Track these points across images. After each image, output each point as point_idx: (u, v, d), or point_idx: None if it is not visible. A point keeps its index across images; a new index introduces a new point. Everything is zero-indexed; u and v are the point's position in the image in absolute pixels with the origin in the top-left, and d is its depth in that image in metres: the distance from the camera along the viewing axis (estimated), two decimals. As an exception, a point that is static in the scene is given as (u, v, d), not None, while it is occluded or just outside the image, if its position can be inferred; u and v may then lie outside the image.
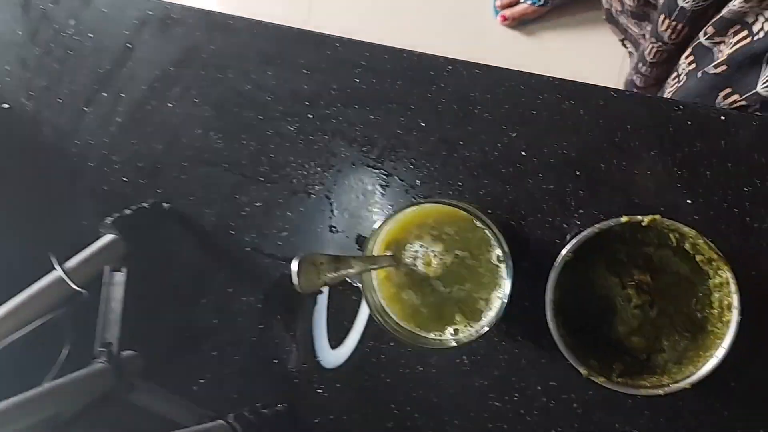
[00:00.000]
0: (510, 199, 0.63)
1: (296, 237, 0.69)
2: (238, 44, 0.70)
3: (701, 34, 0.65)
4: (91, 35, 0.75)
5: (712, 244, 0.51)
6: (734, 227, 0.59)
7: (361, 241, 0.67)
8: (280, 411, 0.68)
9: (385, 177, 0.67)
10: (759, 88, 0.56)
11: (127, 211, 0.67)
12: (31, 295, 0.58)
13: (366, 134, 0.67)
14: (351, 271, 0.51)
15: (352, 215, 0.68)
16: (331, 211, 0.68)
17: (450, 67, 0.65)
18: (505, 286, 0.52)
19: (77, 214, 0.74)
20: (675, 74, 0.81)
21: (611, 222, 0.52)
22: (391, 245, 0.56)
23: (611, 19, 1.10)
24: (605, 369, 0.53)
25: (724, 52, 0.60)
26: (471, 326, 0.55)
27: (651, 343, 0.56)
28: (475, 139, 0.64)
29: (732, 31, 0.59)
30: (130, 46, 0.73)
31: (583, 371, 0.52)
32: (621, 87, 0.98)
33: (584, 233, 0.53)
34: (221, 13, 0.71)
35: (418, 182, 0.66)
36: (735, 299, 0.50)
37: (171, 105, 0.72)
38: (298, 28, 0.68)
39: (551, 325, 0.53)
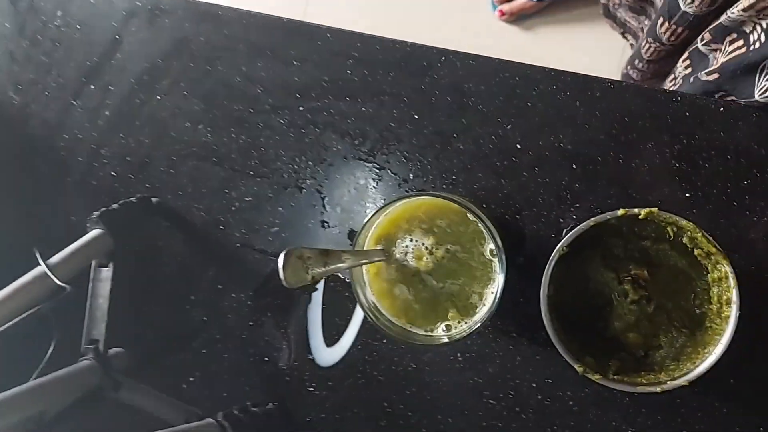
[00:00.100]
0: (505, 192, 0.62)
1: (287, 232, 0.68)
2: (228, 36, 0.68)
3: (698, 39, 0.64)
4: (79, 27, 0.73)
5: (710, 238, 0.49)
6: (733, 220, 0.58)
7: (354, 236, 0.66)
8: (270, 409, 0.66)
9: (377, 171, 0.65)
10: (757, 97, 0.55)
11: (114, 206, 0.66)
12: (14, 291, 0.57)
13: (358, 127, 0.65)
14: (341, 265, 0.50)
15: (344, 210, 0.66)
16: (323, 205, 0.67)
17: (443, 58, 0.63)
18: (498, 280, 0.51)
19: (65, 209, 0.73)
20: (672, 76, 0.80)
21: (607, 215, 0.51)
22: (381, 239, 0.55)
23: (609, 14, 1.08)
24: (601, 366, 0.52)
25: (719, 60, 0.59)
26: (465, 322, 0.54)
27: (648, 340, 0.54)
28: (470, 132, 0.63)
29: (729, 39, 0.58)
30: (119, 38, 0.72)
31: (578, 368, 0.51)
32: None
33: (580, 226, 0.52)
34: (210, 3, 0.69)
35: (411, 176, 0.65)
36: (734, 294, 0.49)
37: (160, 98, 0.70)
38: (288, 19, 0.67)
39: (546, 321, 0.52)
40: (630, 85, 0.60)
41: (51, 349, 0.63)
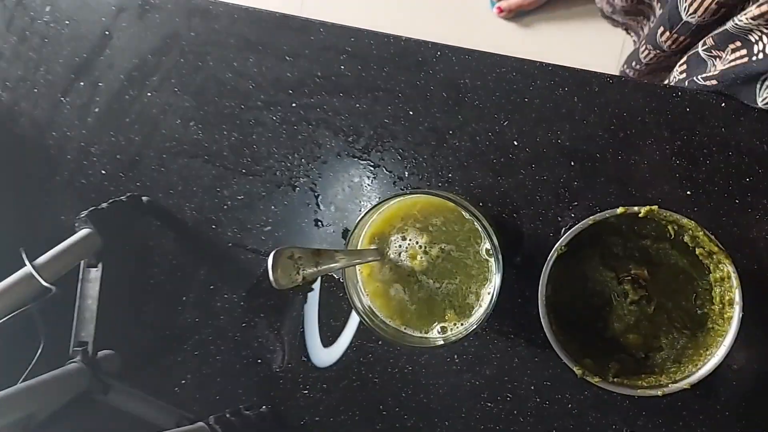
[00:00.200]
0: (502, 190, 0.61)
1: (280, 231, 0.66)
2: (219, 30, 0.67)
3: (700, 44, 0.63)
4: (68, 22, 0.72)
5: (712, 237, 0.48)
6: (735, 219, 0.57)
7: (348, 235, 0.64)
8: (263, 413, 0.65)
9: (372, 168, 0.64)
10: (760, 104, 0.54)
11: (104, 205, 0.64)
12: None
13: (352, 124, 0.64)
14: (333, 265, 0.48)
15: (339, 208, 0.65)
16: (317, 204, 0.66)
17: (439, 53, 0.62)
18: (495, 281, 0.49)
19: (55, 208, 0.72)
20: (666, 81, 0.79)
21: (606, 213, 0.50)
22: (375, 238, 0.54)
23: (606, 17, 1.07)
24: (600, 368, 0.51)
25: (718, 66, 0.58)
26: (461, 323, 0.52)
27: (648, 341, 0.53)
28: (466, 128, 0.62)
29: (732, 47, 0.57)
30: (108, 33, 0.70)
31: (577, 371, 0.49)
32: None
33: (578, 225, 0.50)
34: (202, -2, 0.68)
35: (406, 173, 0.63)
36: (737, 294, 0.48)
37: (150, 94, 0.69)
38: (280, 13, 0.65)
39: (544, 322, 0.50)
40: (629, 81, 0.59)
41: (39, 352, 0.62)
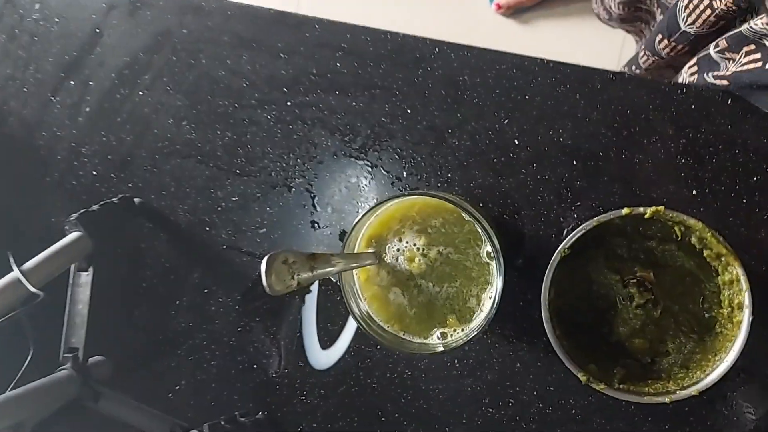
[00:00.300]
0: (502, 191, 0.59)
1: (276, 233, 0.65)
2: (212, 28, 0.65)
3: (711, 46, 0.61)
4: (57, 20, 0.70)
5: (721, 238, 0.47)
6: (743, 219, 0.55)
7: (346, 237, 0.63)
8: (259, 419, 0.64)
9: (369, 168, 0.62)
10: None
11: (94, 207, 0.63)
12: (-15, 298, 0.54)
13: (348, 122, 0.62)
14: (329, 269, 0.47)
15: (335, 210, 0.63)
16: (313, 205, 0.64)
17: (437, 50, 0.60)
18: (496, 285, 0.48)
19: (45, 210, 0.70)
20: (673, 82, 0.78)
21: (611, 214, 0.48)
22: (373, 241, 0.52)
23: (603, 22, 1.06)
24: (605, 374, 0.49)
25: (730, 68, 0.56)
26: (461, 329, 0.51)
27: (654, 346, 0.52)
28: (465, 127, 0.60)
29: (746, 49, 0.56)
30: (98, 31, 0.69)
31: (582, 377, 0.48)
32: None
33: (582, 226, 0.49)
34: (193, -6, 0.66)
35: (404, 173, 0.62)
36: (746, 298, 0.46)
37: (142, 93, 0.67)
38: (274, 9, 0.64)
39: (547, 326, 0.49)
40: (633, 77, 0.58)
41: (28, 358, 0.61)
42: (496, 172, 0.59)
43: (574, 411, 0.58)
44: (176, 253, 0.67)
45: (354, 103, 0.62)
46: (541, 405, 0.59)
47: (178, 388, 0.67)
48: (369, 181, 0.62)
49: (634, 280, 0.51)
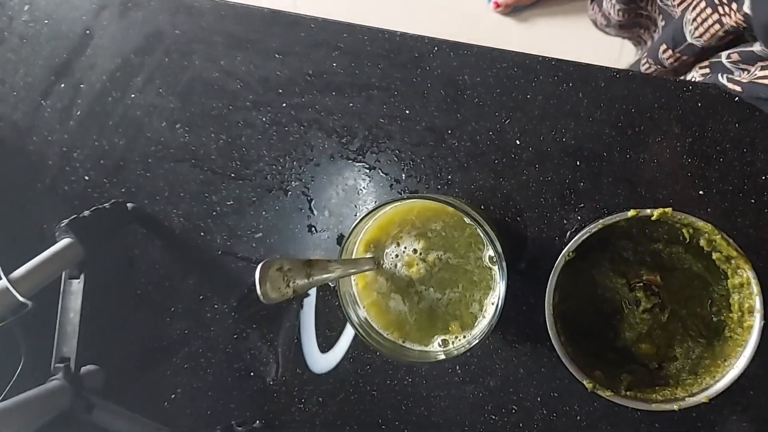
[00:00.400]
0: (504, 192, 0.58)
1: (272, 238, 0.63)
2: (205, 28, 0.64)
3: (723, 55, 0.60)
4: (47, 22, 0.69)
5: (730, 240, 0.45)
6: (751, 219, 0.54)
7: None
8: (257, 428, 0.62)
9: (367, 171, 0.61)
10: None
11: (86, 213, 0.61)
12: (-27, 308, 0.52)
13: (345, 124, 0.61)
14: (326, 276, 0.45)
15: (333, 213, 0.62)
16: (310, 209, 0.62)
17: (436, 49, 0.59)
18: (499, 290, 0.46)
19: (36, 216, 0.68)
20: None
21: (617, 217, 0.47)
22: (371, 245, 0.51)
23: (599, 28, 1.04)
24: (612, 380, 0.48)
25: (744, 77, 0.55)
26: (463, 336, 0.49)
27: (662, 351, 0.50)
28: (465, 127, 0.58)
29: (761, 64, 0.54)
30: (89, 32, 0.67)
31: (587, 384, 0.46)
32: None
33: (587, 229, 0.47)
34: (186, -6, 0.65)
35: (403, 176, 0.60)
36: (757, 302, 0.45)
37: (134, 96, 0.66)
38: (268, 8, 0.62)
39: (551, 332, 0.47)
40: (637, 74, 0.56)
41: (19, 369, 0.60)
42: (498, 173, 0.58)
43: (579, 417, 0.57)
44: (170, 260, 0.65)
45: (351, 104, 0.61)
46: (545, 412, 0.57)
47: (173, 397, 0.65)
48: (367, 184, 0.61)
49: (641, 284, 0.50)
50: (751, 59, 0.55)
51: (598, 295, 0.51)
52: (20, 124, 0.69)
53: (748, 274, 0.45)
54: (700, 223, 0.46)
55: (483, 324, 0.49)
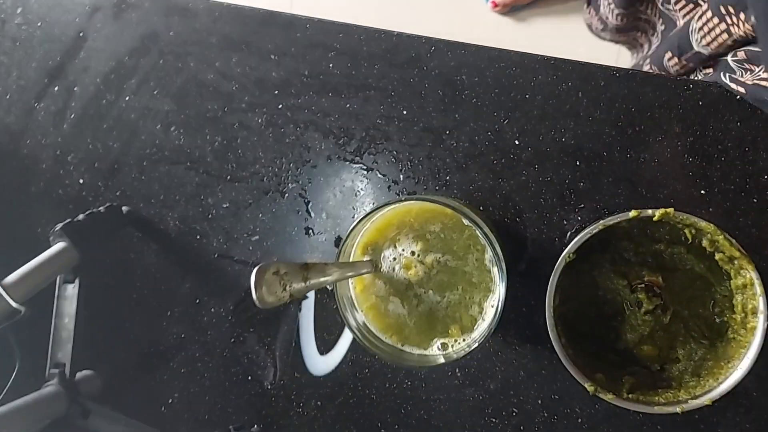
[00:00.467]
0: (503, 193, 0.57)
1: (269, 241, 0.63)
2: (199, 29, 0.63)
3: (729, 55, 0.59)
4: (40, 24, 0.68)
5: (733, 241, 0.45)
6: (753, 219, 0.53)
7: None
8: (255, 433, 0.62)
9: (364, 172, 0.60)
10: None
11: (80, 217, 0.60)
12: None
13: (342, 125, 0.60)
14: (324, 279, 0.45)
15: (330, 215, 0.61)
16: (307, 211, 0.62)
17: (433, 48, 0.58)
18: (499, 292, 0.46)
19: (30, 220, 0.68)
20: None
21: (618, 217, 0.46)
22: (369, 248, 0.50)
23: (594, 33, 1.04)
24: (614, 383, 0.47)
25: (746, 77, 0.54)
26: (462, 339, 0.49)
27: (664, 352, 0.50)
28: (463, 128, 0.58)
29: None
30: (82, 34, 0.67)
31: (589, 388, 0.46)
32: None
33: (587, 230, 0.47)
34: (180, -6, 0.64)
35: (401, 177, 0.60)
36: (761, 303, 0.44)
37: (128, 98, 0.65)
38: (263, 9, 0.61)
39: (552, 334, 0.47)
40: (637, 73, 0.55)
41: (13, 375, 0.59)
42: (497, 174, 0.57)
43: (580, 420, 0.56)
44: (166, 263, 0.65)
45: (348, 105, 0.60)
46: (546, 414, 0.57)
47: (170, 401, 0.65)
48: (365, 186, 0.60)
49: (642, 285, 0.49)
50: (757, 59, 0.54)
51: (599, 297, 0.51)
52: (13, 128, 0.68)
53: (751, 274, 0.44)
54: (703, 224, 0.45)
55: (483, 327, 0.48)
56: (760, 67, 0.53)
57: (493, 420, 0.58)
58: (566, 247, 0.47)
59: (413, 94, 0.59)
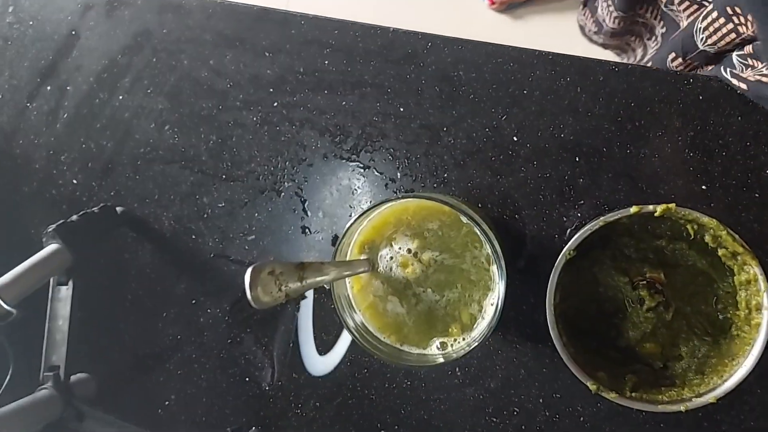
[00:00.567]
0: (502, 190, 0.56)
1: (265, 240, 0.62)
2: (193, 27, 0.62)
3: (734, 53, 0.59)
4: (32, 23, 0.67)
5: (736, 236, 0.44)
6: (755, 214, 0.52)
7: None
8: (252, 435, 0.61)
9: (361, 170, 0.60)
10: None
11: (74, 217, 0.60)
12: (-43, 317, 0.51)
13: (338, 123, 0.60)
14: (320, 279, 0.44)
15: (327, 214, 0.61)
16: (303, 210, 0.61)
17: (429, 44, 0.57)
18: (498, 290, 0.45)
19: (23, 221, 0.67)
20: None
21: (618, 213, 0.45)
22: (366, 247, 0.49)
23: (585, 35, 1.03)
24: (616, 382, 0.46)
25: (747, 74, 0.54)
26: (462, 338, 0.48)
27: (666, 350, 0.49)
28: (461, 124, 0.57)
29: None
30: (75, 33, 0.66)
31: (591, 386, 0.45)
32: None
33: (588, 226, 0.46)
34: (173, -9, 0.63)
35: (398, 174, 0.59)
36: (765, 299, 0.44)
37: (122, 97, 0.64)
38: (257, 6, 0.61)
39: (553, 332, 0.46)
40: (636, 68, 0.55)
41: (7, 378, 0.58)
42: (495, 171, 0.56)
43: (582, 419, 0.55)
44: (161, 264, 0.64)
45: (344, 102, 0.59)
46: (547, 413, 0.56)
47: (167, 403, 0.64)
48: (361, 184, 0.60)
49: (644, 282, 0.49)
50: (764, 54, 0.53)
51: (600, 294, 0.50)
52: (6, 128, 0.68)
53: (755, 270, 0.44)
54: (705, 219, 0.44)
55: (482, 325, 0.47)
56: (764, 64, 0.52)
57: (494, 419, 0.57)
58: (566, 243, 0.46)
59: (410, 90, 0.58)
